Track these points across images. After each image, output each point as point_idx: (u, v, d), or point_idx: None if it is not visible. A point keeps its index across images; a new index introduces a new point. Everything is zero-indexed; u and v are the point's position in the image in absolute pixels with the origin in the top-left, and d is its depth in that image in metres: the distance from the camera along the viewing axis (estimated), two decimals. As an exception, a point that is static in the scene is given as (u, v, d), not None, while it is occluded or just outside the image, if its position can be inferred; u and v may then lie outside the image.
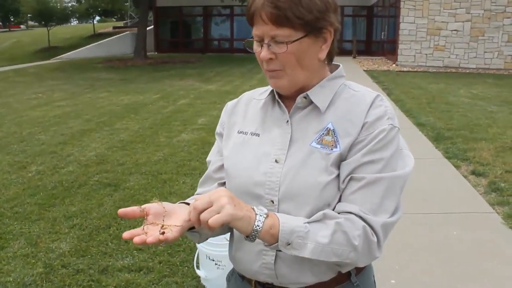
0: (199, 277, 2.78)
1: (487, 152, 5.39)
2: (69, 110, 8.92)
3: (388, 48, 18.98)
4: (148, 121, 7.68)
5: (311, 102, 1.05)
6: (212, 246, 2.61)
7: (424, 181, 4.43)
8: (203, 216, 0.85)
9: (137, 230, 0.90)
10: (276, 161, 1.04)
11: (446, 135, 6.24)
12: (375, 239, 0.96)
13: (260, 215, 0.91)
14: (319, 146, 1.01)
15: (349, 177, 0.98)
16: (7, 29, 50.99)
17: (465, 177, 4.66)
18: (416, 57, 16.36)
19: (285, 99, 1.09)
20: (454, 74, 14.54)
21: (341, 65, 1.11)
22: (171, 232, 0.90)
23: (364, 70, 15.19)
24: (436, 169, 4.95)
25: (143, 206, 0.93)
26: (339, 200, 1.00)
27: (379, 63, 17.77)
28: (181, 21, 26.12)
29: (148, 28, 21.71)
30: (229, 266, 2.65)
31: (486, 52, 15.77)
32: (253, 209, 0.92)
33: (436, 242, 3.29)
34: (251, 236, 0.91)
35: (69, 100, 10.28)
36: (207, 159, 1.22)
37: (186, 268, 2.96)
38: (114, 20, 50.17)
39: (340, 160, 1.00)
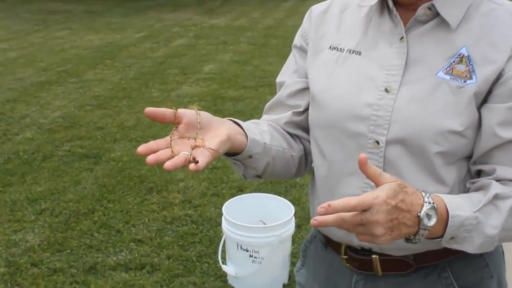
0: (226, 275, 2.95)
1: None
2: (15, 56, 9.14)
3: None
4: (132, 70, 7.87)
5: (437, 15, 1.14)
6: (245, 231, 2.72)
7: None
8: (352, 230, 0.98)
9: (159, 143, 1.02)
10: (386, 90, 1.15)
11: None
12: None
13: (425, 229, 1.00)
14: (448, 77, 1.11)
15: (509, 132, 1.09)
16: None
17: None
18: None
19: (400, 8, 1.17)
20: None
21: None
22: (201, 156, 0.99)
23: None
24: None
25: (178, 110, 1.04)
26: (486, 156, 1.12)
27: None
28: None
29: None
30: (268, 259, 2.82)
31: None
32: (418, 217, 0.99)
33: None
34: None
35: (12, 42, 10.50)
36: (278, 79, 1.35)
37: (206, 264, 3.14)
38: None
39: (476, 97, 1.09)
